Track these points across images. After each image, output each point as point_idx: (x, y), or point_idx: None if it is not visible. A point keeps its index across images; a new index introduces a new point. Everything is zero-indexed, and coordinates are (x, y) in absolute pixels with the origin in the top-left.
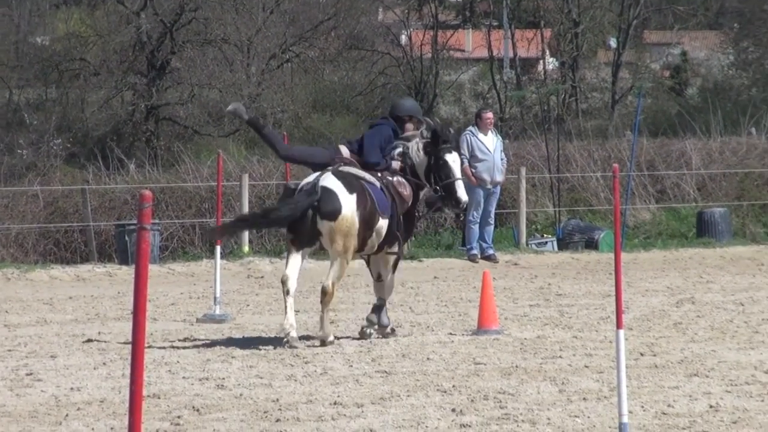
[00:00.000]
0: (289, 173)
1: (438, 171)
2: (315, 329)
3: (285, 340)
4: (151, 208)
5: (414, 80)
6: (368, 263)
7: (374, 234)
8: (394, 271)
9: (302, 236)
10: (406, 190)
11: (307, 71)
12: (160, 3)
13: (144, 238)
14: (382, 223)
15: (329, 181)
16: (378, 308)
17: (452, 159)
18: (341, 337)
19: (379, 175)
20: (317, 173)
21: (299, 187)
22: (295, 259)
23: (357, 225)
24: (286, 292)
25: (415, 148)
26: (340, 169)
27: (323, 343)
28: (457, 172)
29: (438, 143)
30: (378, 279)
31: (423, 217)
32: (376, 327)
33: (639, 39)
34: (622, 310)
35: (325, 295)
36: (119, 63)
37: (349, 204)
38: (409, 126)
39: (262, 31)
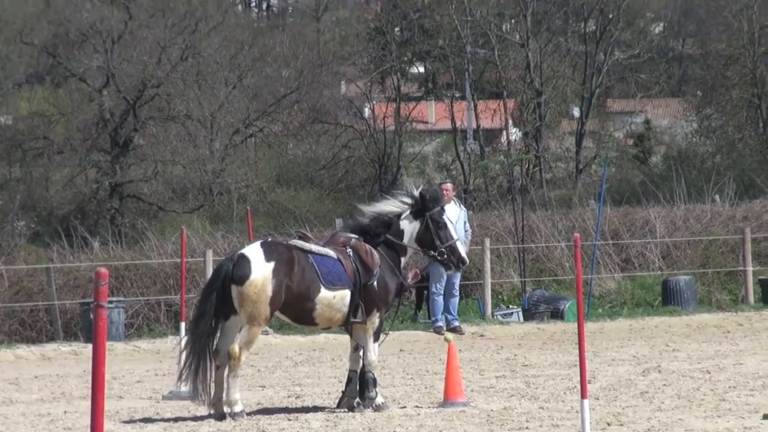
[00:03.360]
0: None
1: (437, 232)
2: (266, 401)
3: (230, 413)
4: (108, 286)
5: (377, 153)
6: (350, 334)
7: (320, 305)
8: (376, 340)
9: (225, 304)
10: (371, 258)
11: (271, 145)
12: (122, 80)
13: (101, 315)
14: (334, 294)
15: (249, 248)
16: (353, 381)
17: (448, 220)
18: (309, 411)
19: (344, 247)
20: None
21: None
22: (226, 330)
23: (269, 293)
24: (217, 366)
25: (405, 215)
26: (274, 239)
27: (230, 408)
28: (454, 232)
29: (428, 207)
30: (355, 350)
31: (408, 288)
32: (362, 400)
33: (602, 108)
34: (587, 379)
35: (231, 359)
36: (83, 141)
37: (260, 271)
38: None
39: (225, 106)
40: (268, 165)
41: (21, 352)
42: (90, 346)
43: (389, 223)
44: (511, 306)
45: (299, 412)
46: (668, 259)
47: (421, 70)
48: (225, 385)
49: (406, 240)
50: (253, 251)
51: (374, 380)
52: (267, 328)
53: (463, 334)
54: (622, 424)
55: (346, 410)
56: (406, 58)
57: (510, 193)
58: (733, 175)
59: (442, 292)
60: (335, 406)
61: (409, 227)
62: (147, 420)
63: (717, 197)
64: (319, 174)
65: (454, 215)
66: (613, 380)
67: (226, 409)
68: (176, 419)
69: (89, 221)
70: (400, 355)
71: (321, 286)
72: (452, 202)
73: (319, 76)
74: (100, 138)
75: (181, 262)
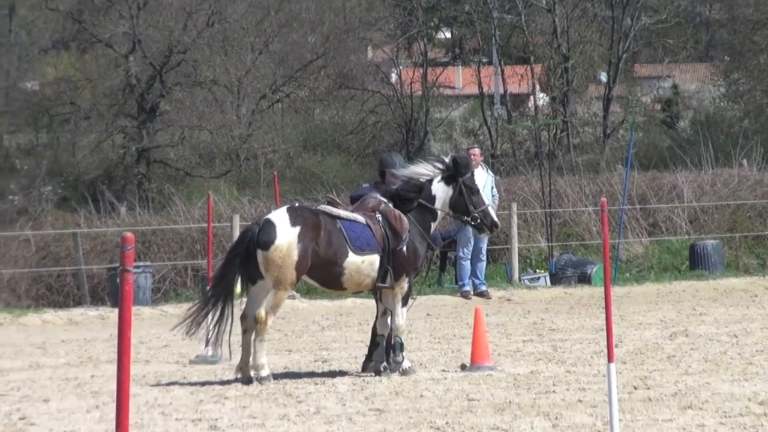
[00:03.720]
0: None
1: (471, 198)
2: (293, 365)
3: (257, 377)
4: (135, 250)
5: (404, 118)
6: (379, 299)
7: (348, 270)
8: (404, 305)
9: (250, 269)
10: (401, 224)
11: (298, 111)
12: (148, 46)
13: (127, 279)
14: (362, 259)
15: (275, 214)
16: (380, 346)
17: (480, 185)
18: (336, 375)
19: (373, 212)
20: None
21: None
22: (253, 294)
23: (295, 258)
24: (243, 331)
25: (442, 181)
26: (302, 204)
27: (257, 373)
28: (486, 197)
29: (461, 172)
30: (383, 314)
31: (435, 250)
32: (389, 364)
33: (629, 73)
34: (614, 343)
35: (258, 323)
36: (109, 106)
37: (286, 235)
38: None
39: (252, 72)
40: (294, 130)
41: (48, 317)
42: (117, 311)
43: (421, 186)
44: (538, 270)
45: (326, 377)
46: (695, 223)
47: (448, 35)
48: (252, 350)
49: (438, 205)
50: (279, 216)
51: (401, 345)
52: (294, 293)
53: (490, 298)
54: (648, 388)
55: (372, 374)
56: (432, 24)
57: (537, 157)
58: (761, 140)
59: (470, 257)
60: (360, 370)
61: (441, 192)
62: (174, 384)
63: (745, 162)
64: (346, 139)
65: (482, 180)
66: (640, 344)
67: (252, 374)
68: (203, 383)
69: (116, 186)
70: (426, 319)
71: (349, 250)
72: (480, 167)
73: (346, 41)
74: (127, 104)
75: (207, 227)
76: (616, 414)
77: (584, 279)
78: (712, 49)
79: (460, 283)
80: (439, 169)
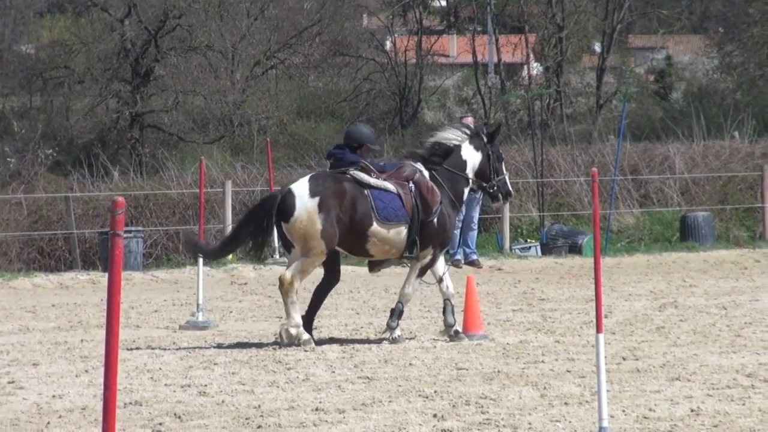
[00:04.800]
0: (272, 180)
1: (496, 165)
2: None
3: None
4: (127, 215)
5: (398, 86)
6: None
7: (373, 238)
8: (420, 276)
9: (283, 237)
10: (432, 196)
11: (292, 77)
12: (144, 10)
13: (117, 244)
14: (388, 229)
15: (298, 184)
16: (447, 309)
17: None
18: (326, 342)
19: (407, 182)
20: None
21: None
22: (290, 261)
23: (318, 227)
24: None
25: (471, 147)
26: (330, 171)
27: (297, 330)
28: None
29: (492, 139)
30: (440, 281)
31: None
32: (446, 329)
33: (623, 43)
34: (603, 314)
35: (282, 284)
36: (103, 71)
37: (305, 207)
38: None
39: (247, 37)
40: (288, 97)
41: (39, 281)
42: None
43: (449, 151)
44: (529, 240)
45: (316, 344)
46: (687, 195)
47: (443, 3)
48: (285, 311)
49: (468, 170)
50: (300, 187)
51: (401, 312)
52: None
53: (481, 267)
54: (637, 359)
55: (447, 339)
56: None
57: (530, 127)
58: (753, 112)
59: (461, 226)
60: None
61: (472, 157)
62: (164, 349)
63: (736, 134)
64: (339, 106)
65: None
66: (630, 315)
67: (293, 332)
68: (193, 348)
69: (110, 151)
70: (417, 287)
71: (374, 220)
72: None
73: (341, 8)
74: (121, 68)
75: (200, 193)
76: (604, 384)
77: (575, 249)
78: (706, 20)
79: (451, 252)
80: (466, 134)
